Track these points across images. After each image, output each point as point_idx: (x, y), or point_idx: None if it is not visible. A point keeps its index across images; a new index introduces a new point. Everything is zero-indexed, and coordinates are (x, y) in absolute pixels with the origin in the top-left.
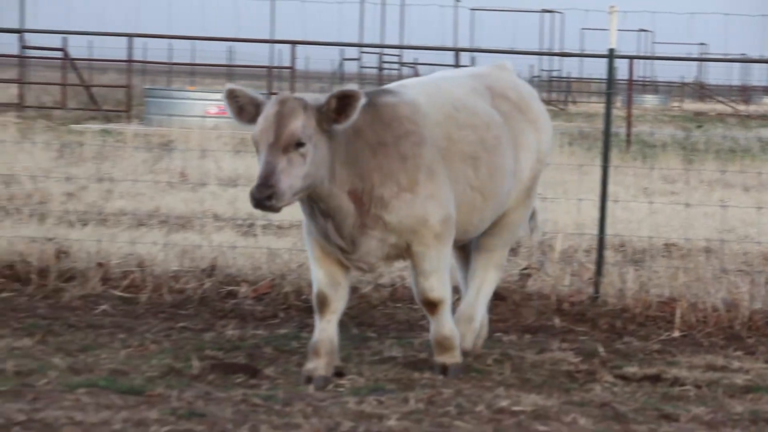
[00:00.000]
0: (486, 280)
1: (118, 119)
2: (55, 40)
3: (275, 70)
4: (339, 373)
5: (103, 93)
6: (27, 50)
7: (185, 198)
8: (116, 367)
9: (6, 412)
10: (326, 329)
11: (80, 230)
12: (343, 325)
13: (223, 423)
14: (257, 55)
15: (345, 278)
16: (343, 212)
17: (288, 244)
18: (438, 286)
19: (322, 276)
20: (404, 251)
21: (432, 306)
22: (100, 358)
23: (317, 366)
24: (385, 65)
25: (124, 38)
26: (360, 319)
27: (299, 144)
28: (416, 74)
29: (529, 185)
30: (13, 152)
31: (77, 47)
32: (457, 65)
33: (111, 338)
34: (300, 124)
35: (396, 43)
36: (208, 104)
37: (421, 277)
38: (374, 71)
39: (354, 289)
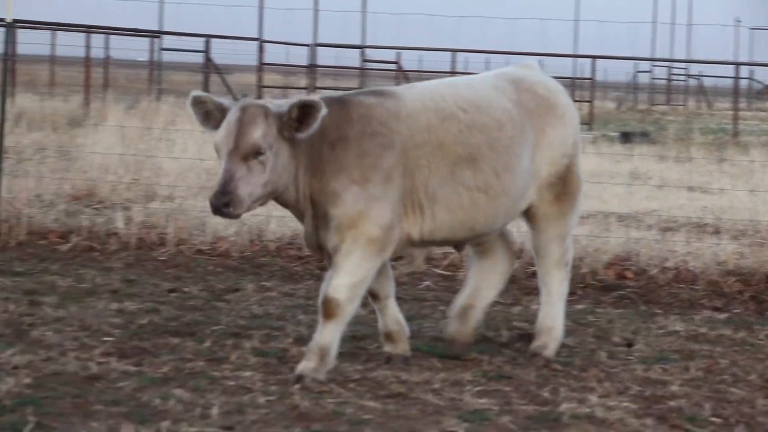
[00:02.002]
0: (553, 284)
1: None
2: (390, 55)
3: (577, 81)
4: (629, 344)
5: None
6: (367, 63)
7: None
8: (436, 334)
9: (343, 371)
10: (387, 314)
11: None
12: (631, 302)
13: (527, 384)
14: (562, 68)
15: (385, 263)
16: (308, 216)
17: (586, 231)
18: (346, 291)
19: None
20: None
21: (329, 308)
22: (423, 326)
23: (395, 347)
24: (673, 77)
25: (449, 53)
26: (647, 297)
27: (259, 152)
28: (701, 86)
29: (553, 180)
30: None
31: (409, 60)
32: (736, 77)
33: (432, 309)
34: (260, 132)
35: (683, 57)
36: None
37: (336, 275)
38: (663, 82)
39: (642, 272)
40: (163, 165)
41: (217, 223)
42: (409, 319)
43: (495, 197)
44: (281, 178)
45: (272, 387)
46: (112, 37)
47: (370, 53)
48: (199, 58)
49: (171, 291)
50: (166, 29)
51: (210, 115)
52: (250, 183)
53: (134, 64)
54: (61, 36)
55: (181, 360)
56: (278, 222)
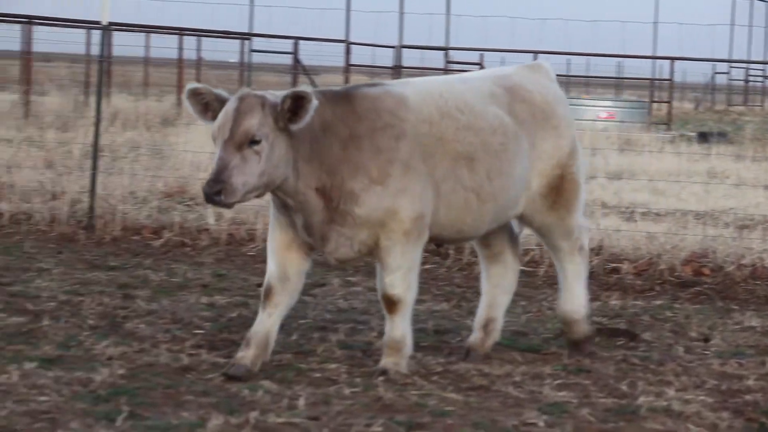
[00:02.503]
0: (568, 270)
1: None
2: (473, 56)
3: (656, 81)
4: (706, 339)
5: None
6: (450, 64)
7: None
8: (518, 329)
9: (426, 364)
10: (264, 322)
11: None
12: (708, 298)
13: (606, 378)
14: (641, 69)
15: (297, 276)
16: (311, 209)
17: (664, 229)
18: (400, 284)
19: (273, 269)
20: (373, 248)
21: (390, 304)
22: (504, 321)
23: (245, 356)
24: (751, 78)
25: (530, 54)
26: (724, 293)
27: (254, 141)
28: None
29: (545, 191)
30: None
31: (492, 61)
32: None
33: (514, 305)
34: (255, 122)
35: (761, 59)
36: (599, 110)
37: (385, 272)
38: (741, 83)
39: (719, 268)
40: None
41: None
42: (363, 310)
43: (485, 201)
44: (278, 169)
45: (357, 379)
46: (204, 39)
47: (454, 54)
48: (287, 60)
49: (259, 285)
50: (256, 31)
51: (208, 107)
52: (245, 172)
53: (225, 65)
54: (155, 38)
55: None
56: None
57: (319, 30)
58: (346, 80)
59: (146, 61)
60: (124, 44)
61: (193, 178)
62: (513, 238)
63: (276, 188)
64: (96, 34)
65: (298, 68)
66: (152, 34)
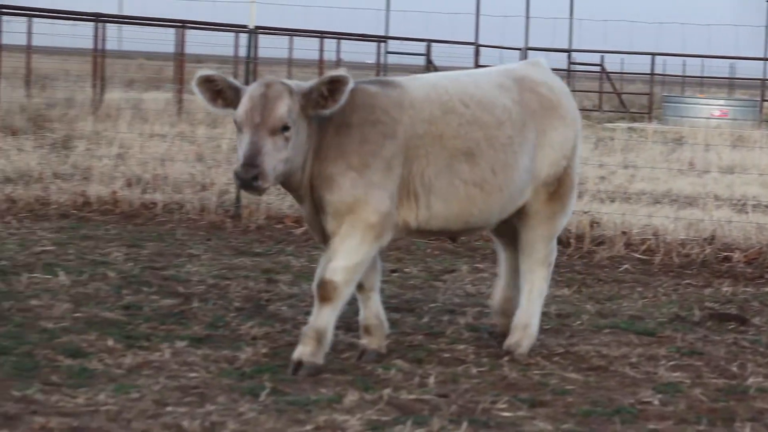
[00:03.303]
0: (534, 281)
1: (641, 119)
2: (595, 57)
3: (767, 81)
4: None
5: (630, 99)
6: (573, 65)
7: (692, 182)
8: (634, 313)
9: (548, 345)
10: (369, 307)
11: (609, 206)
12: None
13: (717, 360)
14: (753, 70)
15: (375, 257)
16: (308, 200)
17: None
18: (343, 274)
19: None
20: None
21: (326, 290)
22: (621, 306)
23: (370, 341)
24: None
25: (648, 56)
26: None
27: (285, 127)
28: None
29: (550, 180)
30: None
31: (612, 63)
32: None
33: (631, 291)
34: (287, 108)
35: None
36: (712, 108)
37: (333, 258)
38: None
39: None
40: None
41: None
42: (609, 299)
43: (490, 193)
44: (299, 157)
45: (484, 359)
46: (343, 41)
47: (577, 56)
48: (421, 61)
49: (393, 271)
50: (391, 35)
51: (219, 95)
52: (275, 158)
53: (362, 66)
54: (298, 41)
55: (401, 334)
56: None
57: (451, 33)
58: None
59: (290, 62)
60: (270, 46)
61: None
62: None
63: (284, 181)
64: (243, 37)
65: (430, 69)
66: (295, 37)
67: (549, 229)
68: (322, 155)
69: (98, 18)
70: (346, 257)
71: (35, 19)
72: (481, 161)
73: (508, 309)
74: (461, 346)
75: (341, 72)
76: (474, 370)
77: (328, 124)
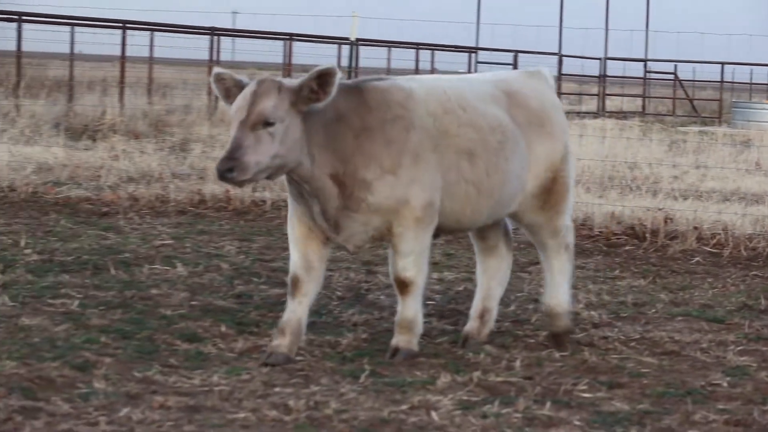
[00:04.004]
0: (554, 268)
1: (712, 123)
2: (668, 67)
3: None
4: None
5: (701, 104)
6: (649, 74)
7: (759, 181)
8: (705, 302)
9: (625, 331)
10: (296, 310)
11: (682, 203)
12: None
13: None
14: None
15: (320, 262)
16: (326, 194)
17: None
18: (412, 267)
19: (297, 259)
20: (386, 234)
21: (403, 286)
22: (693, 295)
23: (281, 344)
24: None
25: (718, 65)
26: None
27: (267, 123)
28: None
29: (537, 192)
30: (637, 146)
31: (684, 71)
32: None
33: (702, 281)
34: (271, 104)
35: None
36: None
37: (398, 257)
38: None
39: None
40: None
41: None
42: (681, 289)
43: (484, 195)
44: (292, 152)
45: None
46: (437, 52)
47: (652, 65)
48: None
49: None
50: (481, 46)
51: (230, 92)
52: (258, 152)
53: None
54: (395, 51)
55: None
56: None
57: (536, 44)
58: (558, 87)
59: (388, 72)
60: (369, 57)
61: None
62: (507, 233)
63: (293, 173)
64: (345, 48)
65: None
66: (393, 48)
67: (552, 229)
68: (346, 158)
69: (214, 32)
70: (408, 252)
71: (157, 33)
72: (479, 162)
73: (486, 319)
74: (545, 333)
75: (328, 65)
76: (557, 355)
77: (342, 124)
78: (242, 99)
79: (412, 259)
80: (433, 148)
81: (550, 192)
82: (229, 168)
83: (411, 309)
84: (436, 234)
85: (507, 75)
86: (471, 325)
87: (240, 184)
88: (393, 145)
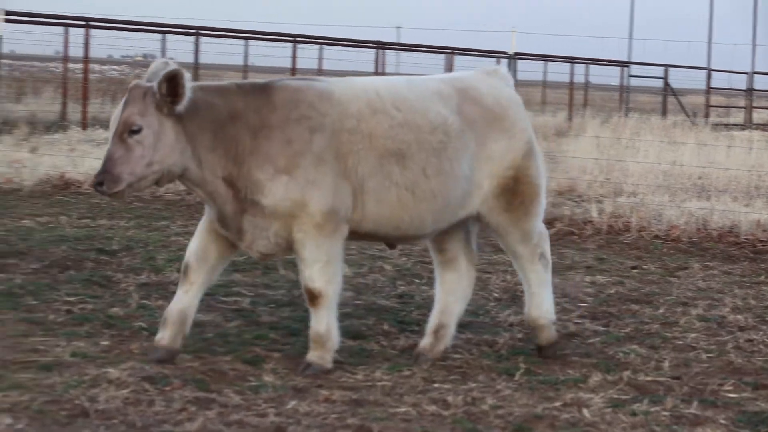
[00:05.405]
0: (530, 278)
1: None
2: None
3: None
4: None
5: None
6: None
7: None
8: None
9: None
10: (181, 299)
11: None
12: None
13: None
14: None
15: (218, 259)
16: (221, 199)
17: None
18: (319, 278)
19: (194, 247)
20: (290, 241)
21: (311, 297)
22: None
23: (162, 337)
24: None
25: None
26: None
27: (133, 131)
28: None
29: (498, 192)
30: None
31: None
32: None
33: (740, 285)
34: (134, 110)
35: None
36: None
37: (302, 265)
38: None
39: None
40: (629, 167)
41: (671, 214)
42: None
43: (423, 199)
44: (169, 158)
45: (712, 346)
46: (591, 66)
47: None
48: (659, 84)
49: (633, 268)
50: (634, 60)
51: None
52: (129, 162)
53: (608, 87)
54: (551, 65)
55: (640, 323)
56: (720, 214)
57: (685, 58)
58: (707, 101)
59: (544, 84)
60: (527, 70)
61: (580, 179)
62: (468, 246)
63: (183, 178)
64: (504, 62)
65: (667, 90)
66: (549, 62)
67: (521, 234)
68: (241, 159)
69: (379, 45)
70: (312, 261)
71: (325, 47)
72: (412, 164)
73: (441, 335)
74: (693, 335)
75: (171, 67)
76: (704, 356)
77: (238, 124)
78: (118, 109)
79: (318, 268)
80: (345, 154)
81: (514, 192)
82: (99, 182)
83: (322, 322)
84: (390, 245)
85: (461, 74)
86: (424, 341)
87: (113, 196)
88: (292, 145)
